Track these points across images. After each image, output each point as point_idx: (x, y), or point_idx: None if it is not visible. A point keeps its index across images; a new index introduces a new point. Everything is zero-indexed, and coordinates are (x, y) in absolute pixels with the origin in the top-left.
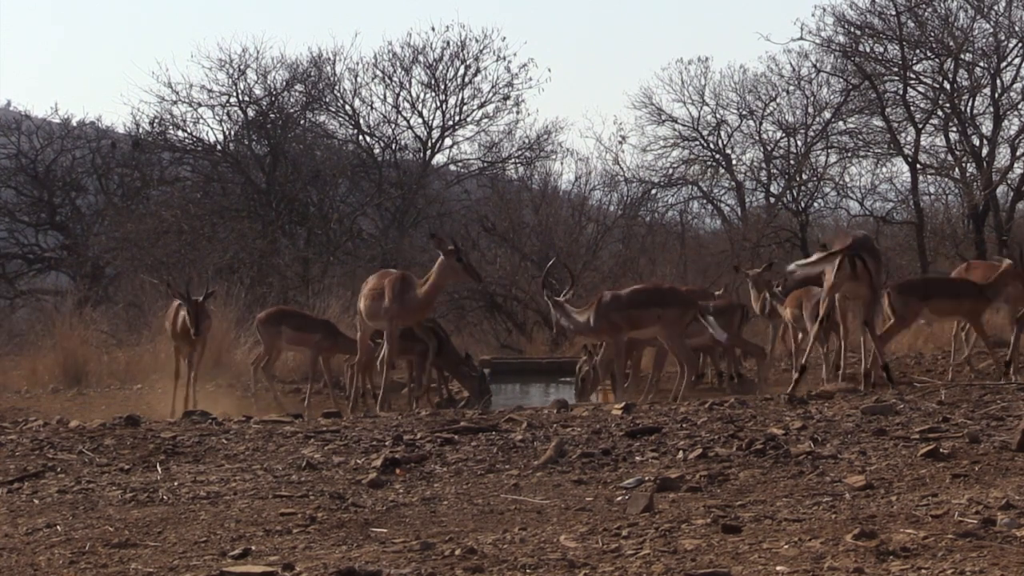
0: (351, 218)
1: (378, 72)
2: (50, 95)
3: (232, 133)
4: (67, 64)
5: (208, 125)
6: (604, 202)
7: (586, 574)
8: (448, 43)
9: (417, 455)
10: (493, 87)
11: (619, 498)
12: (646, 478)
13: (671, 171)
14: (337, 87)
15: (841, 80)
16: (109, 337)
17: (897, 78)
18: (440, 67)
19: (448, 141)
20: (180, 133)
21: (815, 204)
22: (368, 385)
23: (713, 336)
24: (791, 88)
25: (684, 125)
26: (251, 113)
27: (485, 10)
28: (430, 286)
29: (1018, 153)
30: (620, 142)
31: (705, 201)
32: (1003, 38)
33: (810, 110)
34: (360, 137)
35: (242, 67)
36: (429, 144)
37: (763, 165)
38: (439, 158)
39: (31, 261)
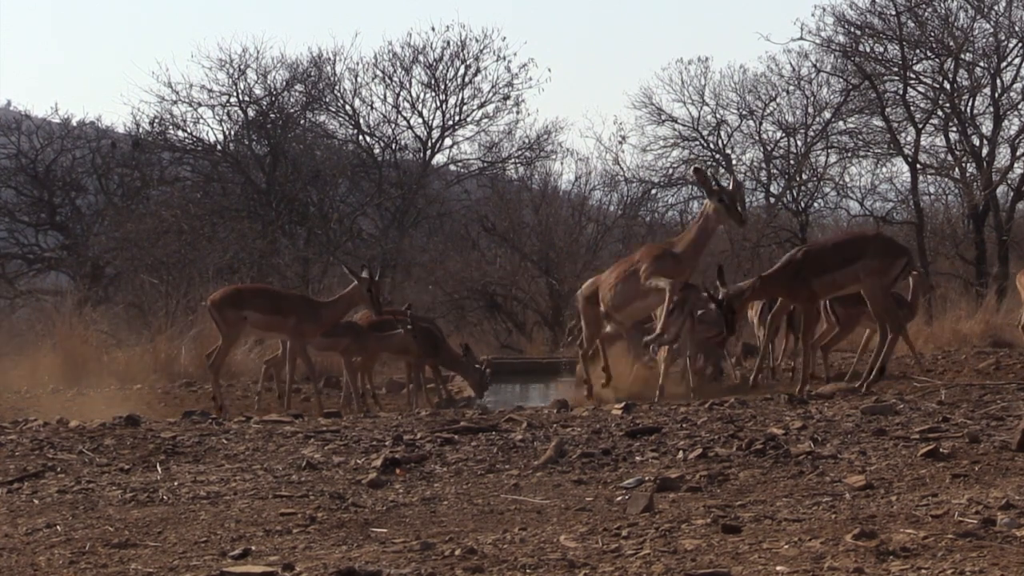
0: (351, 218)
1: (378, 72)
2: (50, 95)
3: (232, 133)
4: (67, 64)
5: (208, 125)
6: (604, 202)
7: (586, 574)
8: (448, 43)
9: (417, 455)
10: (493, 87)
11: (619, 498)
12: (646, 478)
13: (671, 171)
14: (337, 87)
15: (841, 80)
16: (109, 337)
17: (897, 78)
18: (440, 67)
19: (448, 141)
20: (180, 133)
21: (815, 204)
22: (368, 385)
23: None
24: (791, 88)
25: (684, 125)
26: (251, 113)
27: (485, 10)
28: (694, 238)
29: (1018, 153)
30: (620, 142)
31: None
32: (1003, 38)
33: (810, 110)
34: (360, 137)
35: (242, 67)
36: (429, 144)
37: (763, 165)
38: (439, 158)
39: (31, 261)
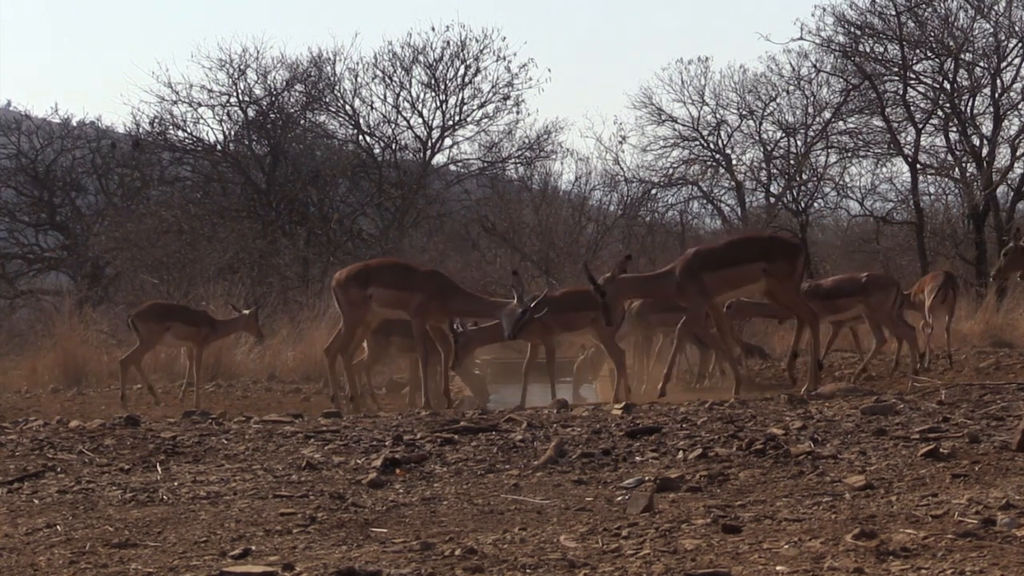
0: (351, 218)
1: (378, 72)
2: (50, 95)
3: (232, 133)
4: (67, 64)
5: (208, 125)
6: (604, 202)
7: (586, 574)
8: (448, 43)
9: (417, 455)
10: (493, 87)
11: (619, 498)
12: (646, 478)
13: (671, 171)
14: (337, 87)
15: (841, 80)
16: (109, 337)
17: (897, 78)
18: (440, 67)
19: (448, 141)
20: (180, 133)
21: (815, 204)
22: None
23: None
24: (791, 88)
25: (684, 125)
26: (251, 113)
27: (485, 10)
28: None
29: (1018, 153)
30: (620, 142)
31: (705, 201)
32: (1003, 38)
33: (810, 110)
34: (360, 137)
35: (242, 67)
36: (429, 144)
37: (763, 165)
38: (439, 158)
39: (31, 261)
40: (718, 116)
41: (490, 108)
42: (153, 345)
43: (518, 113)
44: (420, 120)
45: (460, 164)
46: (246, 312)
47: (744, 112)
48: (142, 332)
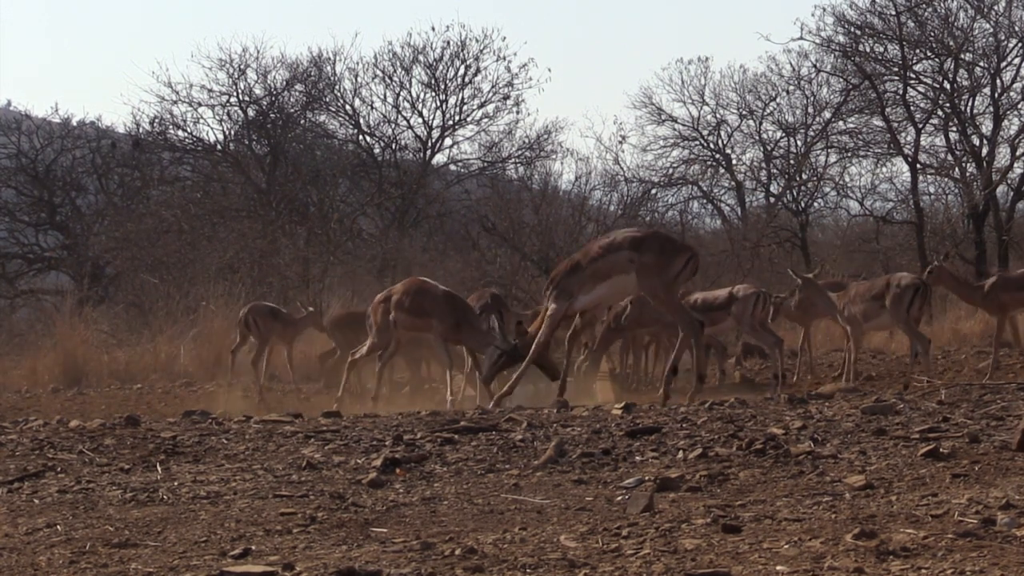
0: (351, 218)
1: (378, 72)
2: (50, 95)
3: (232, 133)
4: (67, 64)
5: (208, 125)
6: (604, 202)
7: (586, 574)
8: (448, 43)
9: (417, 455)
10: (493, 87)
11: (619, 498)
12: (646, 478)
13: (671, 171)
14: (337, 87)
15: (841, 80)
16: (109, 337)
17: (897, 78)
18: (440, 67)
19: (448, 141)
20: (180, 133)
21: (815, 204)
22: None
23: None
24: (791, 88)
25: (684, 125)
26: (251, 113)
27: (485, 10)
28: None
29: (1018, 153)
30: (620, 142)
31: (705, 201)
32: (1003, 38)
33: (810, 110)
34: (360, 137)
35: (242, 67)
36: (429, 144)
37: (763, 165)
38: (439, 158)
39: (31, 261)
40: (718, 116)
41: (490, 108)
42: (268, 344)
43: (518, 113)
44: (420, 120)
45: (460, 164)
46: (311, 309)
47: (744, 112)
48: (262, 331)
